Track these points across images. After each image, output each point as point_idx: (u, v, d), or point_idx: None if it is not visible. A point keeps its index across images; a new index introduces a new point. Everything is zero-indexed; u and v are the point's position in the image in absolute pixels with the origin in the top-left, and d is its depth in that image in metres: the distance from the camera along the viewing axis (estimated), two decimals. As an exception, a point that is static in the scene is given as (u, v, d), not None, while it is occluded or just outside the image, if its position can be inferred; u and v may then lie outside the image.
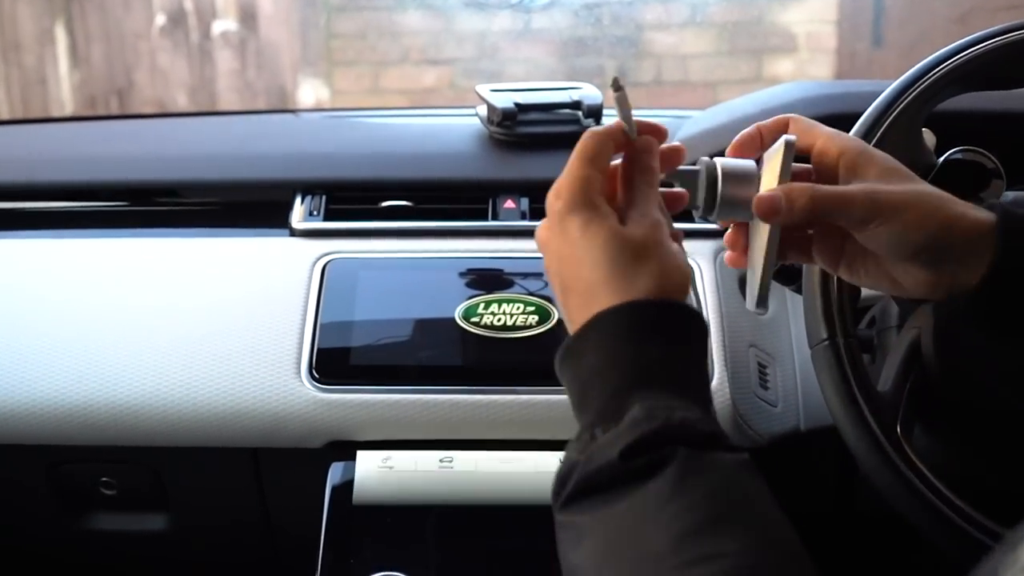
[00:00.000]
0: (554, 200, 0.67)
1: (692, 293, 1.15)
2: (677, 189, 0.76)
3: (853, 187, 0.72)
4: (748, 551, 0.54)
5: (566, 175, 0.68)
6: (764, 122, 0.77)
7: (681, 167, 0.75)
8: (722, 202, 0.74)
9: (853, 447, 0.84)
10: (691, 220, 1.14)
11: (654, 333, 0.62)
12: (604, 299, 0.63)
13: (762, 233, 0.74)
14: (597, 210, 0.66)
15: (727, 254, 0.79)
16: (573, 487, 0.60)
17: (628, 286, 0.63)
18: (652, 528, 0.56)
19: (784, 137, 0.73)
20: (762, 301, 0.73)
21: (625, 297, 0.63)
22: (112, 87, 3.26)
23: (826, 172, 0.75)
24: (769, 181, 0.74)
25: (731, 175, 0.74)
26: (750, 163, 0.76)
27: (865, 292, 0.90)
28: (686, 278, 0.66)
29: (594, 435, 0.60)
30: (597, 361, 0.62)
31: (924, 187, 0.73)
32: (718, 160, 0.75)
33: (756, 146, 0.77)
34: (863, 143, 0.76)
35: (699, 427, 0.59)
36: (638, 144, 0.71)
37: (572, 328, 0.66)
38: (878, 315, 0.99)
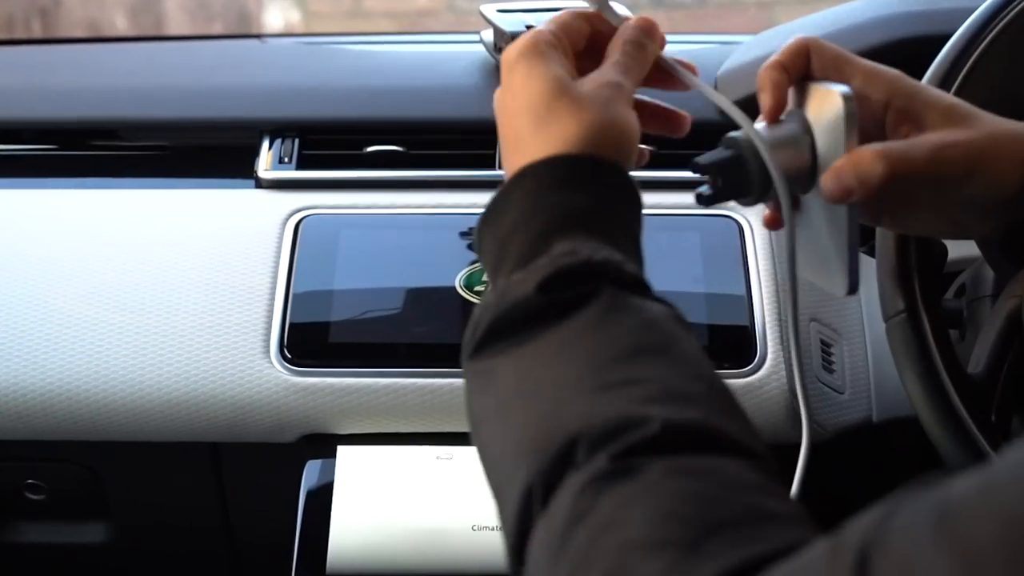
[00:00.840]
0: (507, 53, 0.73)
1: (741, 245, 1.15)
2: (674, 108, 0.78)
3: (925, 142, 0.72)
4: (677, 378, 0.58)
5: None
6: (779, 54, 0.77)
7: (710, 156, 0.73)
8: (779, 182, 0.73)
9: (937, 441, 0.84)
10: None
11: (581, 183, 0.67)
12: (531, 150, 0.69)
13: (837, 212, 0.74)
14: (543, 57, 0.71)
15: (766, 214, 0.79)
16: (484, 330, 0.63)
17: (556, 137, 0.68)
18: (569, 357, 0.60)
19: (838, 90, 0.72)
20: (855, 284, 0.74)
21: (552, 150, 0.68)
22: (34, 5, 3.25)
23: (867, 120, 0.74)
24: (830, 146, 0.73)
25: (779, 145, 0.73)
26: (790, 124, 0.75)
27: (953, 254, 0.90)
28: (626, 136, 0.70)
29: (512, 276, 0.64)
30: (519, 213, 0.67)
31: (995, 125, 0.74)
32: (752, 130, 0.73)
33: (787, 88, 0.77)
34: (910, 81, 0.75)
35: (626, 268, 0.63)
36: (631, 22, 0.75)
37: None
38: (969, 282, 0.99)
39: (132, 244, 1.20)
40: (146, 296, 1.15)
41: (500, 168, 1.24)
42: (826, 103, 0.73)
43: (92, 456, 1.16)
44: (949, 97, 0.75)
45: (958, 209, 0.75)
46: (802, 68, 0.76)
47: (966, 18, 0.88)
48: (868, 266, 1.15)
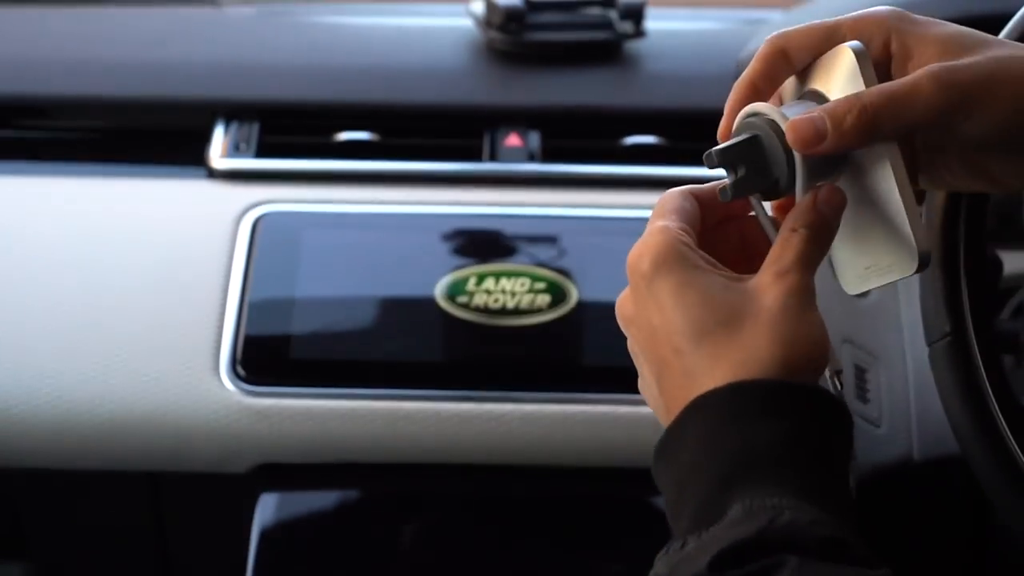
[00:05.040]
0: (636, 262, 0.70)
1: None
2: None
3: (915, 75, 0.71)
4: None
5: (644, 234, 0.71)
6: (748, 69, 0.75)
7: (725, 143, 0.73)
8: (810, 166, 0.74)
9: (987, 483, 0.84)
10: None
11: (765, 415, 0.65)
12: (704, 380, 0.67)
13: (881, 177, 0.74)
14: (686, 263, 0.69)
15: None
16: None
17: (737, 362, 0.66)
18: None
19: (844, 45, 0.72)
20: (926, 254, 0.71)
21: (733, 376, 0.66)
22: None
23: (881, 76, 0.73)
24: None
25: None
26: (807, 104, 0.76)
27: (1010, 268, 0.90)
28: (817, 349, 0.68)
29: (685, 543, 0.64)
30: (695, 454, 0.66)
31: (1006, 50, 0.72)
32: (769, 110, 0.74)
33: (785, 68, 0.75)
34: (909, 17, 0.73)
35: (814, 531, 0.62)
36: (822, 196, 0.72)
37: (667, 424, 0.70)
38: (1027, 301, 0.99)
39: (62, 241, 1.20)
40: (77, 303, 1.15)
41: (489, 158, 1.25)
42: (835, 65, 0.73)
43: (8, 486, 1.16)
44: (950, 27, 0.73)
45: (980, 152, 0.74)
46: (780, 72, 0.75)
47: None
48: (911, 283, 1.16)
